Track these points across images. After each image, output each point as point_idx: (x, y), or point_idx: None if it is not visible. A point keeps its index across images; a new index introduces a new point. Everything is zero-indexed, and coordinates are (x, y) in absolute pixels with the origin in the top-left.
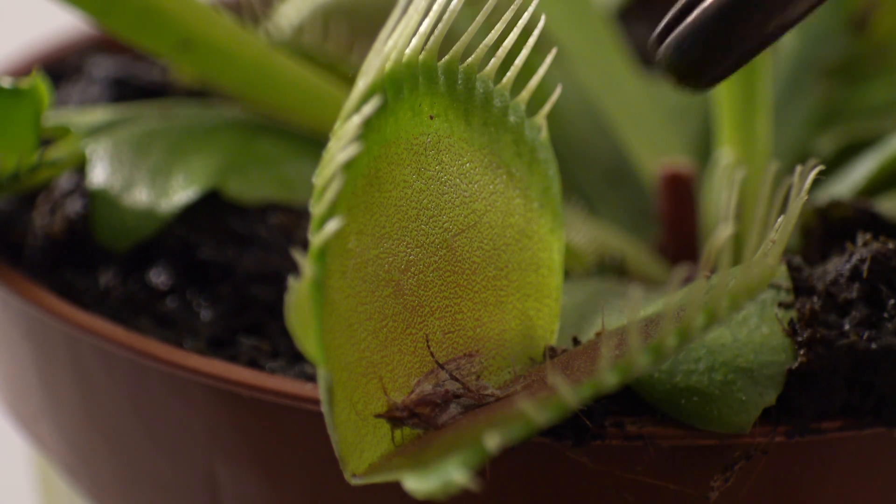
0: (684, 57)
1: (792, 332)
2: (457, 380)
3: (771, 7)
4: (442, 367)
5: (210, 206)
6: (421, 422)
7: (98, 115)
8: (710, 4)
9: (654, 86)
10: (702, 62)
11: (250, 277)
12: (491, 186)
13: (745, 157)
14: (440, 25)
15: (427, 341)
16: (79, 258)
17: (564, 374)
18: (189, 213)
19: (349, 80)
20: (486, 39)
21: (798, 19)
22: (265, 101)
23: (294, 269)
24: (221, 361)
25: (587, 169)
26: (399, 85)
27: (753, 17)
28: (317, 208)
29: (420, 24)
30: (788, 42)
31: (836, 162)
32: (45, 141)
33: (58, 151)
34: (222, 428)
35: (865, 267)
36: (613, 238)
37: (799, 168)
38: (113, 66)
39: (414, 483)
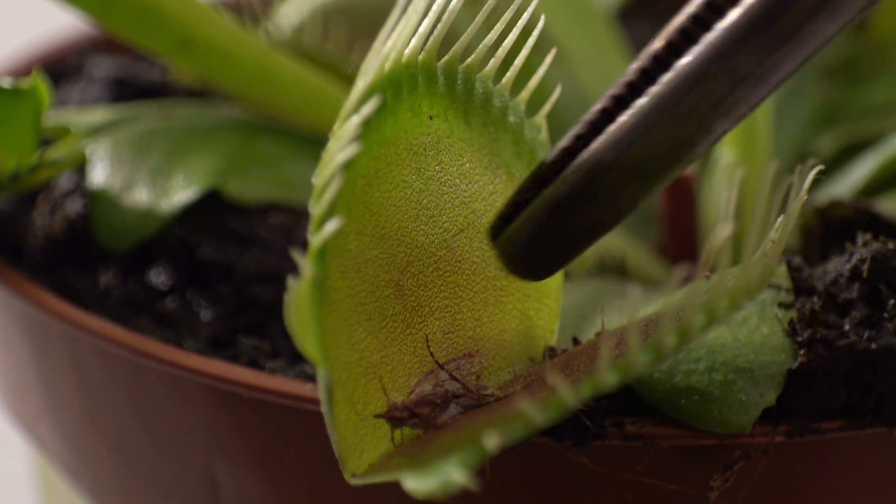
0: (520, 254)
1: (792, 332)
2: (457, 380)
3: (603, 200)
4: (442, 367)
5: (210, 206)
6: (421, 422)
7: (98, 115)
8: (540, 201)
9: None
10: (539, 259)
11: (250, 277)
12: (491, 187)
13: (745, 157)
14: (440, 25)
15: (427, 341)
16: (79, 258)
17: (564, 374)
18: (189, 213)
19: (349, 80)
20: (486, 39)
21: (632, 208)
22: (265, 101)
23: (294, 269)
24: (221, 361)
25: None
26: (398, 85)
27: (586, 211)
28: (316, 208)
29: (419, 24)
30: None
31: (836, 162)
32: (45, 141)
33: (58, 151)
34: (222, 428)
35: (865, 267)
36: (613, 238)
37: (799, 168)
38: (113, 66)
39: (413, 483)
